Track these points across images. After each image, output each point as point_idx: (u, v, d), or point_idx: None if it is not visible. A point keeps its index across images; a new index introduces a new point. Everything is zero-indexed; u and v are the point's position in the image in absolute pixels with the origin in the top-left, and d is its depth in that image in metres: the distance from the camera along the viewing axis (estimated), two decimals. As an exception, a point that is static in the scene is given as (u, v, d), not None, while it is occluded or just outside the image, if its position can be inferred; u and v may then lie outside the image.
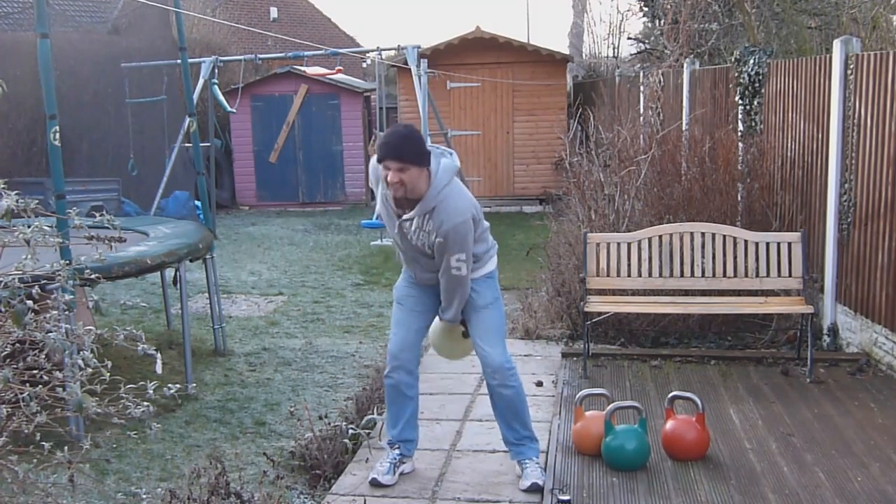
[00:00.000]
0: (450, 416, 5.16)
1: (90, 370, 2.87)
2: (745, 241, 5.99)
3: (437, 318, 4.32)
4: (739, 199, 7.17)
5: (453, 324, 4.22)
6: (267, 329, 7.68)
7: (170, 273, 7.23)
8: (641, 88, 11.23)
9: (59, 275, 3.10)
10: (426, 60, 12.58)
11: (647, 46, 17.07)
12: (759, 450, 4.48)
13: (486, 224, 4.16)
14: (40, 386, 2.88)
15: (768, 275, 5.91)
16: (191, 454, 4.89)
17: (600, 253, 6.08)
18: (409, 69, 12.91)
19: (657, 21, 15.98)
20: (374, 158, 4.07)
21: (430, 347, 4.56)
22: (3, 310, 2.86)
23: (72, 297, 3.83)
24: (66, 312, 3.67)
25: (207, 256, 6.70)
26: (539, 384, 5.68)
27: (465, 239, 3.92)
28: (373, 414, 5.03)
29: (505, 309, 4.37)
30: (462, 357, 4.62)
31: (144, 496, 3.38)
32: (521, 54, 15.28)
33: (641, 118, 10.25)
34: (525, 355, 6.36)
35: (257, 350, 7.01)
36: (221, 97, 13.53)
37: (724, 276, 5.99)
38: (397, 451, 4.31)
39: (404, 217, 3.96)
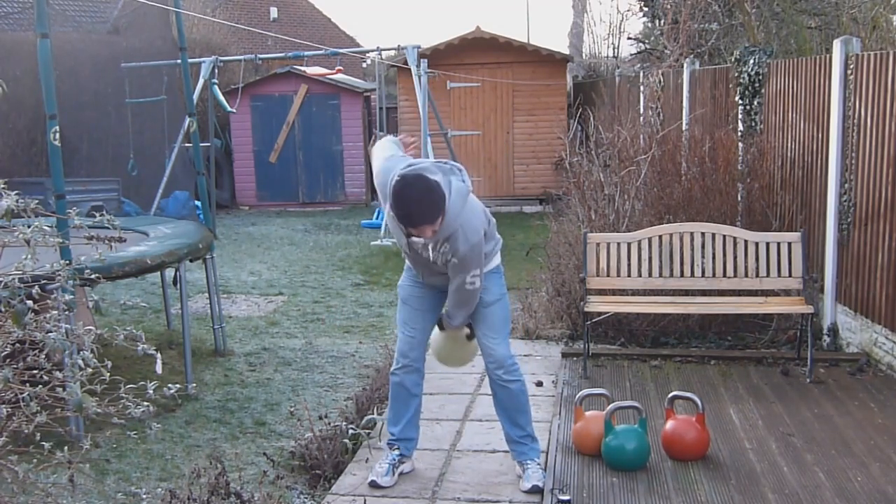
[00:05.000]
0: (450, 416, 5.16)
1: (90, 370, 2.88)
2: (745, 241, 5.99)
3: (436, 328, 4.26)
4: (739, 199, 7.17)
5: (458, 329, 4.21)
6: (267, 329, 7.68)
7: (170, 273, 7.24)
8: (641, 88, 11.22)
9: (59, 275, 3.10)
10: (426, 60, 12.58)
11: (647, 46, 17.06)
12: (759, 450, 4.48)
13: (493, 220, 4.13)
14: (40, 386, 2.88)
15: (768, 275, 5.91)
16: (191, 454, 4.89)
17: (600, 253, 6.08)
18: (409, 69, 12.91)
19: (657, 21, 15.96)
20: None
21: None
22: (3, 310, 2.86)
23: (72, 297, 3.82)
24: (66, 312, 3.67)
25: (207, 256, 6.70)
26: (539, 384, 5.67)
27: (479, 255, 3.90)
28: (373, 414, 5.03)
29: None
30: (465, 363, 4.55)
31: (144, 496, 3.38)
32: (521, 54, 15.28)
33: (641, 118, 10.25)
34: (525, 355, 6.36)
35: (257, 350, 7.01)
36: (221, 97, 13.53)
37: (724, 276, 5.99)
38: (396, 452, 4.31)
39: (414, 239, 3.83)
